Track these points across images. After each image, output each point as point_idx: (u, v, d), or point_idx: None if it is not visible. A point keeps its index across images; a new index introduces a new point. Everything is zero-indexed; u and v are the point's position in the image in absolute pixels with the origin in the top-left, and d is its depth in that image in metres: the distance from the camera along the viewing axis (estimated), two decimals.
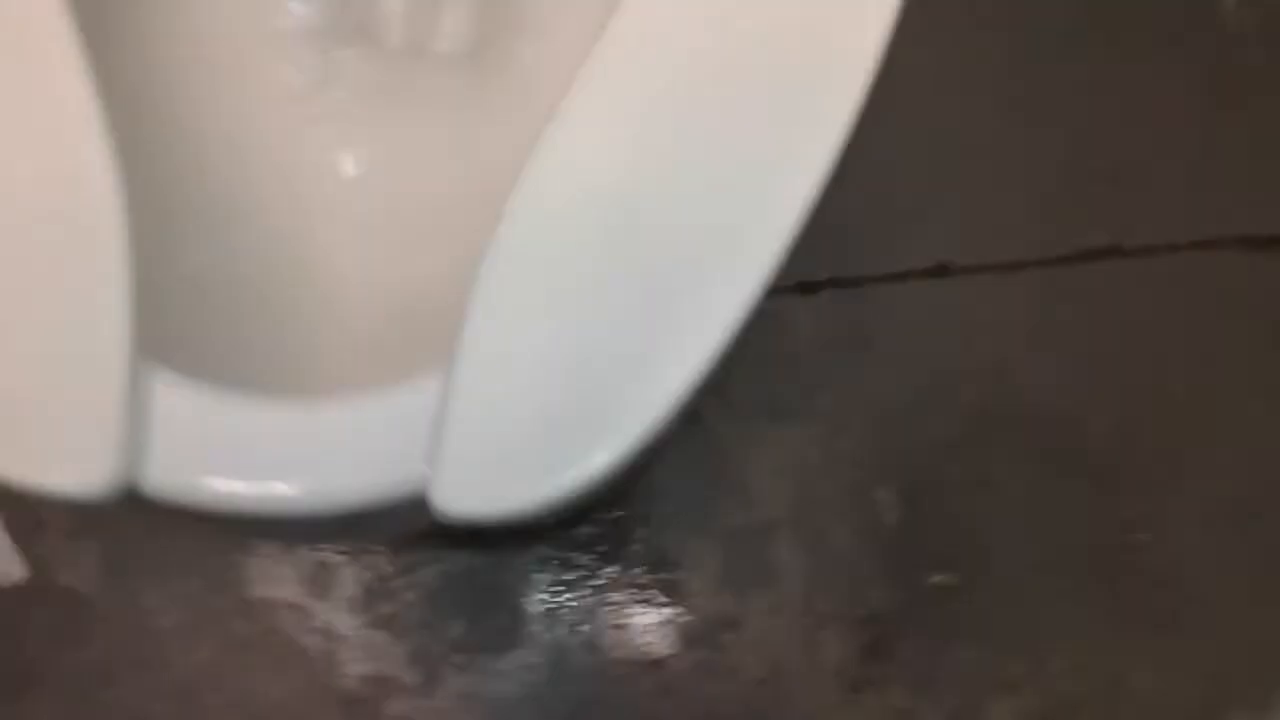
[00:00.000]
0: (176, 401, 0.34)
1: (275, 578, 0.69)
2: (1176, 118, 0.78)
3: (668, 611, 0.70)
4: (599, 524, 0.71)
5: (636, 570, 0.70)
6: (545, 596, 0.70)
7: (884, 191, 0.75)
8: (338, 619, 0.68)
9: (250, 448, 0.35)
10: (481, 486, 0.34)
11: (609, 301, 0.35)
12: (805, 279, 0.75)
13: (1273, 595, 0.72)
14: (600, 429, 0.35)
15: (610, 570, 0.70)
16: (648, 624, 0.70)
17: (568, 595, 0.70)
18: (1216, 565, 0.72)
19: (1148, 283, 0.76)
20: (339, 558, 0.69)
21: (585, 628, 0.69)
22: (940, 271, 0.76)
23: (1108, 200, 0.77)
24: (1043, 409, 0.74)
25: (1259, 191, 0.77)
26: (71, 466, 0.32)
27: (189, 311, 0.39)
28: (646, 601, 0.70)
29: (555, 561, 0.70)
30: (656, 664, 0.69)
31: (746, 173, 0.36)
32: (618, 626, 0.70)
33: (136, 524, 0.68)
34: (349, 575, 0.69)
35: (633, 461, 0.35)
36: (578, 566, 0.70)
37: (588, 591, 0.70)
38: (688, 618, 0.70)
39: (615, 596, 0.70)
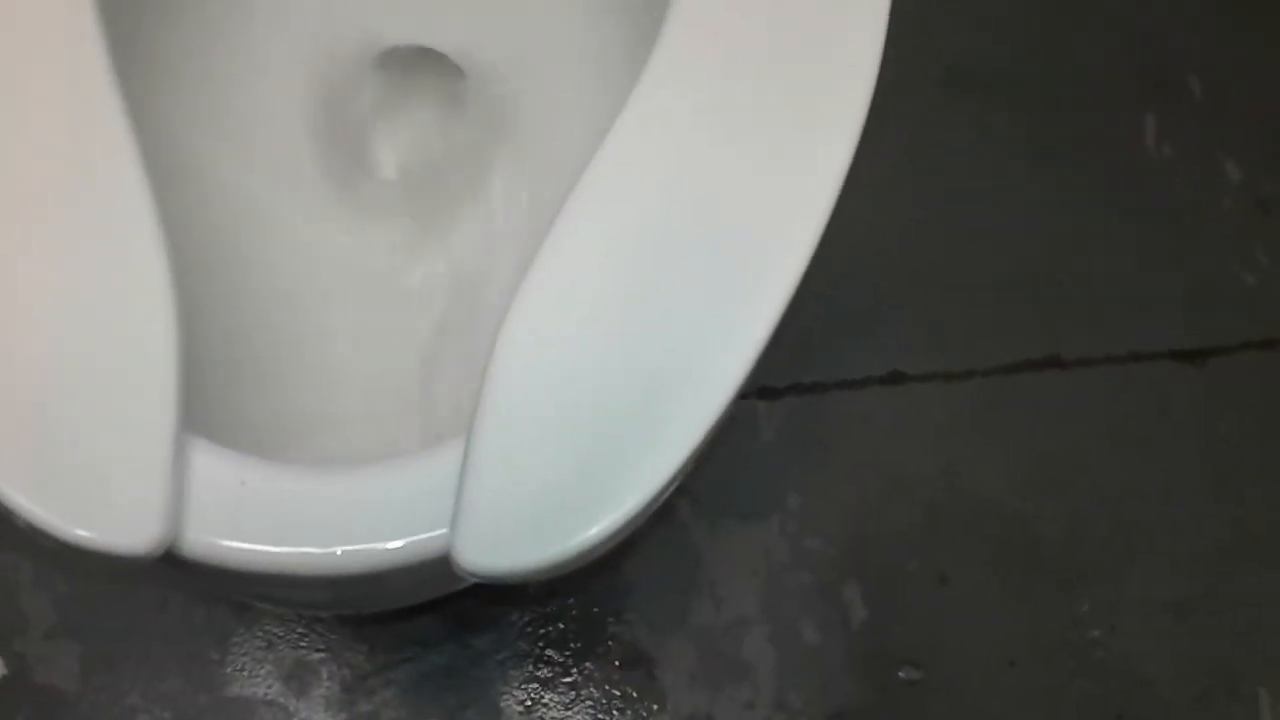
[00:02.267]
0: (213, 468, 0.37)
1: (254, 676, 0.69)
2: (1109, 240, 0.84)
3: (642, 707, 0.71)
4: (572, 620, 0.72)
5: (610, 667, 0.71)
6: (521, 694, 0.71)
7: (841, 306, 0.80)
8: (316, 717, 0.69)
9: (281, 512, 0.37)
10: (500, 547, 0.37)
11: (613, 383, 0.39)
12: (767, 385, 0.79)
13: (1224, 694, 0.75)
14: (606, 495, 0.38)
15: (585, 667, 0.71)
16: None
17: (543, 692, 0.71)
18: (1168, 662, 0.75)
19: (1085, 391, 0.81)
20: (317, 655, 0.70)
21: None
22: (895, 379, 0.80)
23: (1048, 315, 0.82)
24: (994, 508, 0.77)
25: (1185, 308, 0.83)
26: (119, 526, 0.34)
27: (222, 386, 0.41)
28: (621, 697, 0.71)
29: (530, 659, 0.71)
30: None
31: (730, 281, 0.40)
32: None
33: (117, 622, 0.68)
34: (327, 673, 0.70)
35: (635, 524, 0.38)
36: (552, 663, 0.71)
37: (563, 689, 0.71)
38: (662, 714, 0.71)
39: (590, 693, 0.71)
